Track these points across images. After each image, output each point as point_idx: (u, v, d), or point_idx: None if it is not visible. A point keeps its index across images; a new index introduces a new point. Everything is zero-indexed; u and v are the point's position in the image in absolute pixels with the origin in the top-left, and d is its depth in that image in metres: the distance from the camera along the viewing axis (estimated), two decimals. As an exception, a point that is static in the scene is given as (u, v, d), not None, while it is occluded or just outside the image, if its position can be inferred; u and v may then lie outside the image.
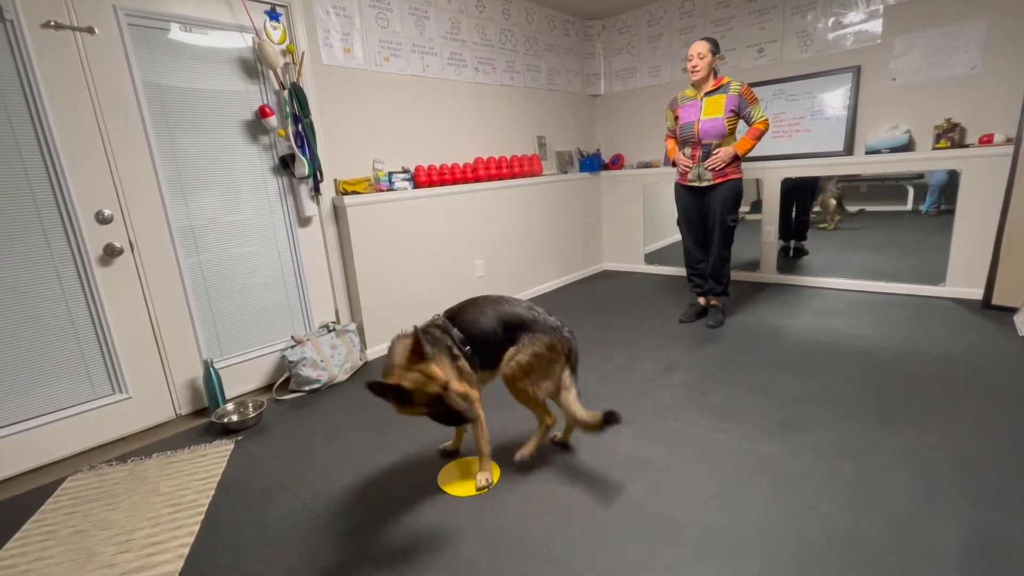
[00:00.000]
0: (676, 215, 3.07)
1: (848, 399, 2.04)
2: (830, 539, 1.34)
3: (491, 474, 1.68)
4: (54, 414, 2.00)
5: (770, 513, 1.45)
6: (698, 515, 1.46)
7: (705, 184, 2.82)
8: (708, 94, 2.75)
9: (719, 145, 2.74)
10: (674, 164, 2.94)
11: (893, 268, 3.50)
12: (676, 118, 2.89)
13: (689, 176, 2.87)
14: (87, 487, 1.82)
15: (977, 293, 3.06)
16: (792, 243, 4.03)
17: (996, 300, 2.88)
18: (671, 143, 3.00)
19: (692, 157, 2.83)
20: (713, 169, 2.76)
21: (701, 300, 3.13)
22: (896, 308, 3.09)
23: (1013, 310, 2.81)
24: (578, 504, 1.55)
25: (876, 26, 3.27)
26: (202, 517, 1.61)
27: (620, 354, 2.68)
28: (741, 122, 2.79)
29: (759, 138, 2.70)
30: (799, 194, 3.85)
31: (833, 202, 3.92)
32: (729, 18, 3.83)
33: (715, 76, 2.76)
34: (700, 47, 2.70)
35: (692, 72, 2.74)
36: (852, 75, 3.38)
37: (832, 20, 3.42)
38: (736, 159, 2.74)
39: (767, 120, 2.71)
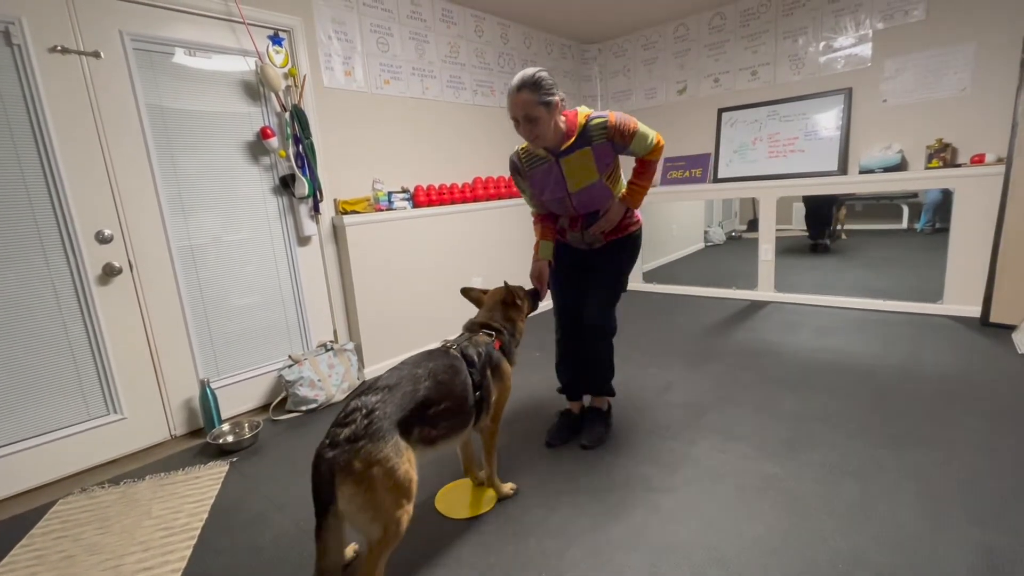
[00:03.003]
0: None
1: (850, 418, 2.03)
2: (835, 561, 1.31)
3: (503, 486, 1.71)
4: (46, 435, 1.97)
5: (773, 535, 1.42)
6: (699, 537, 1.43)
7: (598, 245, 1.95)
8: (564, 153, 1.74)
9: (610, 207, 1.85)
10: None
11: (891, 286, 3.52)
12: (533, 190, 1.89)
13: (571, 239, 1.97)
14: (78, 510, 1.78)
15: (975, 310, 3.07)
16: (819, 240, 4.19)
17: (994, 317, 2.89)
18: (541, 229, 1.96)
19: (572, 224, 1.92)
20: (602, 231, 1.89)
21: (574, 406, 2.15)
22: (895, 326, 3.09)
23: (1011, 327, 2.81)
24: (576, 526, 1.52)
25: (866, 50, 3.34)
26: (195, 541, 1.57)
27: (618, 373, 2.66)
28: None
29: (653, 173, 1.84)
30: (824, 206, 4.03)
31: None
32: (723, 42, 3.92)
33: (562, 123, 1.71)
34: (524, 104, 1.61)
35: (532, 142, 1.71)
36: (844, 97, 3.45)
37: (823, 44, 3.50)
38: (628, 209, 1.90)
39: (660, 139, 1.78)
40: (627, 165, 1.78)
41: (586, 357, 2.02)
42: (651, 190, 3.37)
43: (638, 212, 1.97)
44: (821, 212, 4.12)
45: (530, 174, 1.86)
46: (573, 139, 1.72)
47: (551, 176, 1.80)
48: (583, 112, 1.74)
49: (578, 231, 1.91)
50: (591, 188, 1.78)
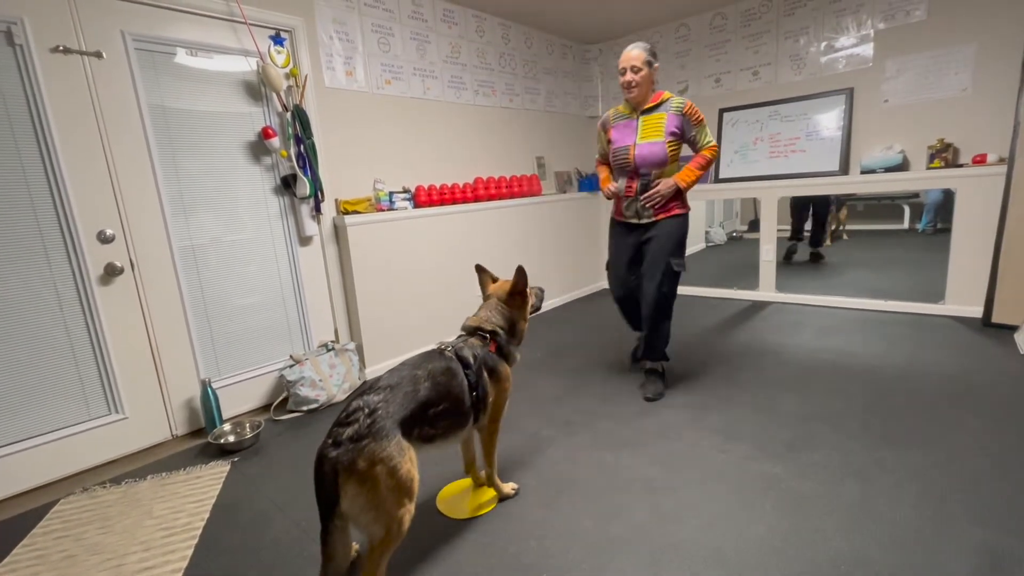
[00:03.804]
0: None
1: (852, 418, 2.02)
2: (836, 562, 1.31)
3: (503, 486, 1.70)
4: (48, 435, 1.97)
5: (775, 535, 1.42)
6: (701, 538, 1.43)
7: (645, 221, 2.33)
8: (645, 112, 2.28)
9: (659, 175, 2.27)
10: (608, 197, 2.45)
11: (892, 286, 3.51)
12: (609, 140, 2.40)
13: (626, 212, 2.39)
14: (79, 510, 1.78)
15: (977, 311, 3.06)
16: (810, 249, 4.14)
17: (996, 318, 2.88)
18: (604, 170, 2.50)
19: (628, 189, 2.33)
20: (653, 205, 2.29)
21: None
22: (897, 326, 3.08)
23: (1013, 328, 2.81)
24: (579, 527, 1.52)
25: (867, 50, 3.34)
26: (196, 541, 1.57)
27: (621, 372, 2.66)
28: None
29: (706, 168, 2.25)
30: (818, 206, 3.98)
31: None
32: (724, 42, 3.92)
33: (653, 91, 2.30)
34: (635, 57, 2.18)
35: (627, 89, 2.24)
36: (845, 97, 3.45)
37: (824, 44, 3.50)
38: (679, 193, 2.29)
39: (715, 146, 2.28)
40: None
41: (646, 336, 2.39)
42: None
43: (686, 201, 2.35)
44: (802, 213, 3.98)
45: (614, 126, 2.38)
46: (654, 104, 2.27)
47: (630, 128, 2.32)
48: (668, 92, 2.30)
49: (632, 197, 2.33)
50: (653, 144, 2.24)
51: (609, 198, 2.43)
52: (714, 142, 2.28)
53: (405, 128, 3.12)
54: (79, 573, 1.46)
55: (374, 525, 1.18)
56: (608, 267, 2.54)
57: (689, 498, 1.61)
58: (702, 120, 2.26)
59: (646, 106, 2.27)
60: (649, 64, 2.20)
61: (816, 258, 4.13)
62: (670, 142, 2.23)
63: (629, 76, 2.21)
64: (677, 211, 2.31)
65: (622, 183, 2.34)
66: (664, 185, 2.24)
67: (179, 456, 2.14)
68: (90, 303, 2.03)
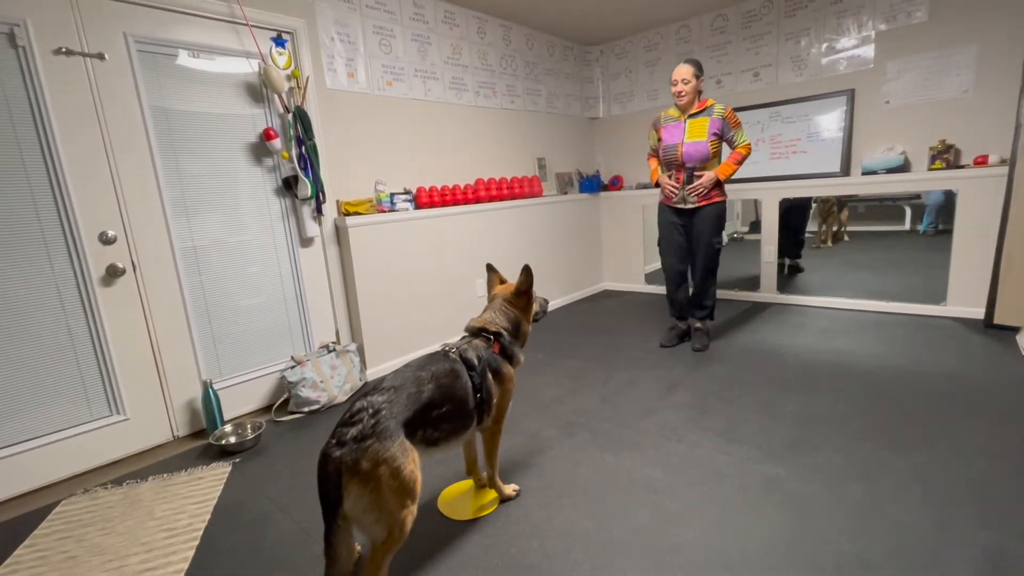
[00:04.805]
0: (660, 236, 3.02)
1: (854, 419, 2.02)
2: (839, 564, 1.30)
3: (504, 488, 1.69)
4: (50, 436, 1.97)
5: (777, 537, 1.42)
6: (704, 540, 1.43)
7: (690, 206, 2.80)
8: (692, 116, 2.74)
9: (702, 168, 2.73)
10: (657, 185, 2.93)
11: (894, 287, 3.51)
12: (660, 139, 2.86)
13: (674, 199, 2.85)
14: (81, 511, 1.78)
15: (978, 312, 3.06)
16: (787, 261, 4.06)
17: (998, 319, 2.87)
18: (654, 162, 2.98)
19: (676, 180, 2.80)
20: (697, 193, 2.75)
21: (681, 324, 3.07)
22: (898, 327, 3.08)
23: (1015, 329, 2.80)
24: (580, 528, 1.52)
25: (868, 51, 3.34)
26: (197, 542, 1.57)
27: (622, 373, 2.66)
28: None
29: (741, 163, 2.70)
30: (795, 214, 3.88)
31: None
32: (725, 43, 3.92)
33: (699, 98, 2.75)
34: (684, 72, 2.68)
35: (677, 97, 2.72)
36: (846, 98, 3.45)
37: (825, 45, 3.50)
38: (719, 183, 2.75)
39: (749, 145, 2.70)
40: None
41: (696, 297, 2.97)
42: (656, 191, 3.91)
43: (724, 190, 2.80)
44: (792, 223, 3.85)
45: (664, 127, 2.84)
46: (700, 110, 2.73)
47: (678, 129, 2.78)
48: (711, 100, 2.74)
49: (681, 186, 2.78)
50: (698, 143, 2.70)
51: (659, 186, 2.91)
52: (749, 141, 2.71)
53: (406, 129, 3.13)
54: (81, 574, 1.46)
55: (376, 526, 1.18)
56: (660, 244, 3.03)
57: (691, 499, 1.61)
58: (739, 123, 2.71)
59: (692, 111, 2.73)
60: (696, 77, 2.68)
61: (794, 271, 4.08)
62: (712, 141, 2.68)
63: (680, 87, 2.69)
64: (716, 199, 2.77)
65: (671, 173, 2.82)
66: (706, 177, 2.70)
67: (180, 457, 2.14)
68: (92, 304, 2.04)
